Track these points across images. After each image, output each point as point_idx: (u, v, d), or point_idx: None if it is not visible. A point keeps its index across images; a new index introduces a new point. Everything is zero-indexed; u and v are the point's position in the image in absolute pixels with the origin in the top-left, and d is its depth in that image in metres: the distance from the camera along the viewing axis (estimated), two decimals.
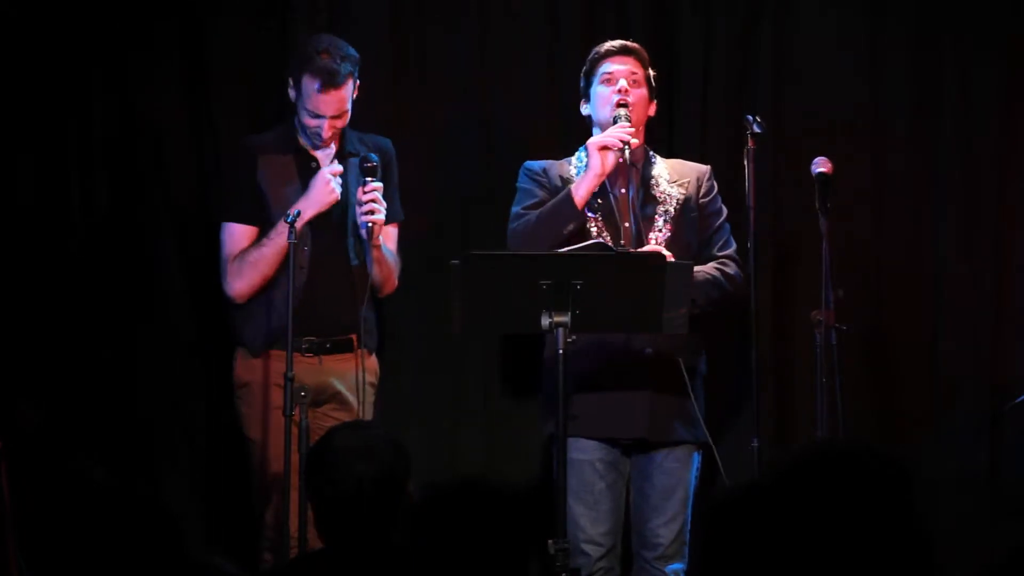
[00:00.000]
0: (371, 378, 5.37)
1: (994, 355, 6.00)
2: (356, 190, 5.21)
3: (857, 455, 2.93)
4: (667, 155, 5.66)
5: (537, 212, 5.15)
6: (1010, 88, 6.02)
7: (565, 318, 4.59)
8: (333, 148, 5.31)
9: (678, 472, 5.16)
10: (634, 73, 5.23)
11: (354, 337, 5.25)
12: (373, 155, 5.23)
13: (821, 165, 5.23)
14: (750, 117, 5.18)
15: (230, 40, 5.96)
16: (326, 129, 5.23)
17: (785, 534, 2.79)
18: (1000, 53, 6.02)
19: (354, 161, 5.28)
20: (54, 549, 3.03)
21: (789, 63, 6.03)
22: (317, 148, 5.29)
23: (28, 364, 5.83)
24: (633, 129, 5.12)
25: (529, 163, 5.37)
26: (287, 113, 5.46)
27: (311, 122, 5.23)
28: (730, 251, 5.28)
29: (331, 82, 5.16)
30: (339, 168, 5.22)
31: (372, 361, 5.39)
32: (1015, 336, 5.99)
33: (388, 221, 5.32)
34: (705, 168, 5.35)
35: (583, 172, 5.15)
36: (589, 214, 5.12)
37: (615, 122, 5.15)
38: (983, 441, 5.99)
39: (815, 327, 5.10)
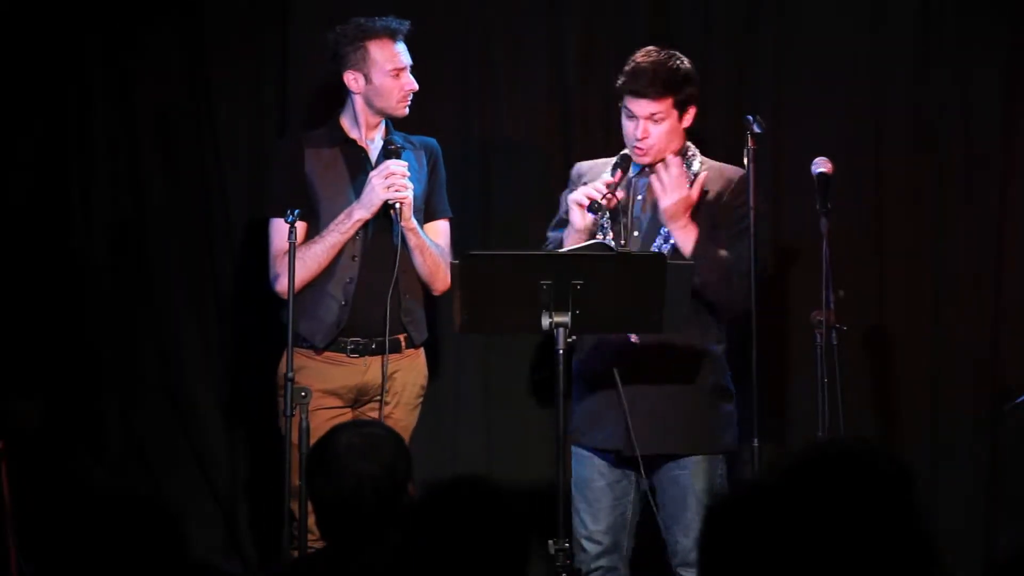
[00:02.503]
0: (420, 380, 5.37)
1: (994, 355, 6.00)
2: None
3: (859, 455, 2.93)
4: None
5: (555, 244, 5.11)
6: (1010, 88, 6.01)
7: (565, 318, 4.58)
8: (381, 139, 5.31)
9: (684, 480, 5.09)
10: (653, 114, 5.05)
11: (402, 337, 5.27)
12: (397, 137, 5.26)
13: (821, 165, 5.22)
14: (750, 117, 5.16)
15: (230, 25, 5.98)
16: (413, 81, 5.25)
17: (787, 534, 2.79)
18: (1001, 53, 6.02)
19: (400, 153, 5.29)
20: (54, 549, 3.03)
21: (789, 63, 6.03)
22: (401, 116, 5.29)
23: (28, 364, 5.83)
24: (609, 187, 4.98)
25: (578, 164, 5.28)
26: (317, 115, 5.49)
27: (395, 84, 5.23)
28: (733, 254, 5.11)
29: (396, 33, 5.23)
30: (391, 168, 5.16)
31: (421, 359, 5.39)
32: (1015, 336, 5.99)
33: (437, 217, 5.37)
34: (736, 175, 5.16)
35: (569, 226, 5.04)
36: (591, 214, 5.06)
37: (613, 169, 5.05)
38: (983, 441, 5.99)
39: (815, 327, 5.09)
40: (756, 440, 5.14)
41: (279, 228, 5.28)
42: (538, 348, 5.93)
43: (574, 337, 4.66)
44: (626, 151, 5.12)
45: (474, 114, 6.04)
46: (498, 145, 6.01)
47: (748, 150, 5.14)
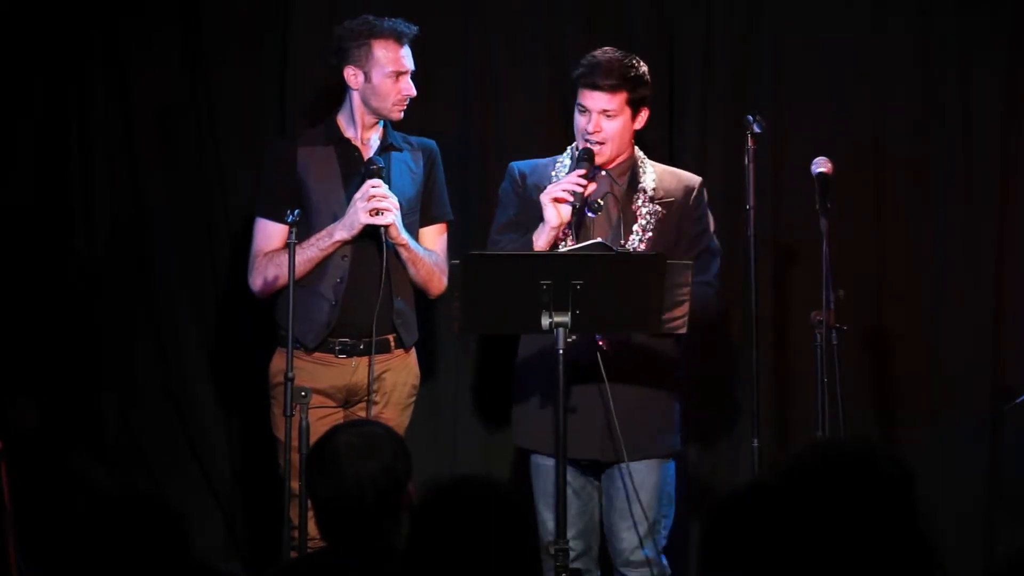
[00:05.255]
0: (412, 379, 5.35)
1: (994, 355, 6.00)
2: (398, 182, 5.23)
3: (859, 455, 2.93)
4: (668, 154, 5.65)
5: (510, 246, 5.08)
6: (1010, 88, 6.02)
7: (565, 318, 4.58)
8: (378, 140, 5.31)
9: (641, 476, 5.05)
10: (607, 109, 5.04)
11: (391, 338, 5.26)
12: (379, 158, 5.24)
13: (821, 165, 5.22)
14: (750, 117, 5.17)
15: (230, 24, 5.98)
16: (411, 87, 5.24)
17: (787, 534, 2.79)
18: (1001, 53, 6.02)
19: (396, 155, 5.29)
20: (54, 549, 3.03)
21: (789, 63, 6.03)
22: (395, 119, 5.28)
23: (28, 363, 5.83)
24: (583, 179, 4.96)
25: (514, 164, 5.27)
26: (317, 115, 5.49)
27: (393, 87, 5.22)
28: (709, 276, 5.10)
29: (402, 36, 5.23)
30: (371, 192, 5.15)
31: (412, 360, 5.37)
32: (1015, 336, 5.99)
33: (434, 221, 5.37)
34: (695, 182, 5.17)
35: (541, 226, 5.01)
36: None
37: (578, 163, 5.03)
38: (983, 441, 5.99)
39: (815, 327, 5.08)
40: (756, 440, 5.14)
41: (262, 228, 5.30)
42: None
43: (574, 337, 4.66)
44: (588, 145, 5.08)
45: (474, 115, 6.04)
46: (497, 145, 6.01)
47: (748, 150, 5.14)
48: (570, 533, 5.07)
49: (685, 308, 4.77)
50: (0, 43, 5.85)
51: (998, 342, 6.00)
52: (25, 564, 5.04)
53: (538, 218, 5.05)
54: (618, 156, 5.12)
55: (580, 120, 5.09)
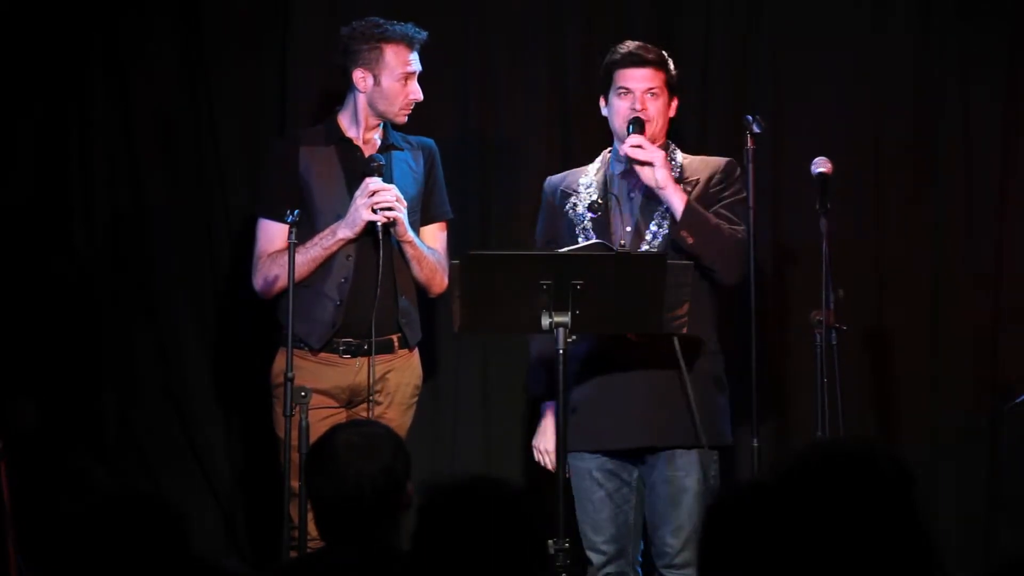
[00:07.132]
0: (415, 380, 5.35)
1: (994, 355, 6.00)
2: (400, 182, 5.24)
3: (859, 455, 2.93)
4: None
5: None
6: (1010, 88, 6.02)
7: (565, 318, 4.58)
8: (379, 140, 5.31)
9: (680, 480, 5.01)
10: (652, 87, 5.06)
11: (395, 337, 5.26)
12: (380, 156, 5.24)
13: (821, 165, 5.22)
14: (750, 117, 5.17)
15: (230, 25, 5.99)
16: (419, 91, 5.26)
17: (787, 534, 2.79)
18: (1001, 53, 6.02)
19: (397, 154, 5.29)
20: (54, 549, 3.03)
21: (789, 63, 6.03)
22: (400, 123, 5.29)
23: (27, 363, 5.83)
24: (640, 141, 4.98)
25: (549, 179, 5.28)
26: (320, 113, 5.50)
27: (402, 90, 5.23)
28: (733, 225, 5.04)
29: (414, 40, 5.25)
30: (371, 188, 5.15)
31: (415, 360, 5.37)
32: (1015, 336, 5.99)
33: (434, 219, 5.37)
34: (721, 162, 5.16)
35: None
36: (590, 214, 5.07)
37: (631, 129, 5.02)
38: (983, 441, 5.99)
39: (815, 327, 5.08)
40: (756, 440, 5.14)
41: (265, 229, 5.30)
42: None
43: (574, 337, 4.66)
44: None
45: (473, 114, 6.04)
46: (497, 145, 6.01)
47: (748, 150, 5.14)
48: (601, 538, 5.08)
49: (685, 308, 4.76)
50: (0, 43, 5.85)
51: (998, 342, 6.00)
52: (25, 564, 5.04)
53: (564, 232, 5.07)
54: (655, 143, 5.09)
55: (622, 105, 5.08)
